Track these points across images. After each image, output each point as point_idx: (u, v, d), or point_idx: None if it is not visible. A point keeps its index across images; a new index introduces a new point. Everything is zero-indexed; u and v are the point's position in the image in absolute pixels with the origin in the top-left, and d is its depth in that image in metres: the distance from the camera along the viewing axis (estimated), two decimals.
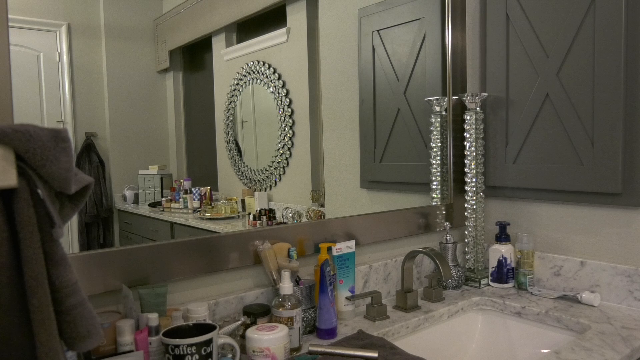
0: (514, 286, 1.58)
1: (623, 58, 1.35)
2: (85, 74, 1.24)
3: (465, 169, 1.65)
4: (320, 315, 1.19)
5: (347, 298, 1.31)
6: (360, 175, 1.70)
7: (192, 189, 1.44)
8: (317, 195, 1.59)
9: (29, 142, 0.56)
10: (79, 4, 1.24)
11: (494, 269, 1.60)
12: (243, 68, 1.53)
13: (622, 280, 1.40)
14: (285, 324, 1.07)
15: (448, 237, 1.58)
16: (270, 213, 1.48)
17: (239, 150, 1.52)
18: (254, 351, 0.99)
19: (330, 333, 1.18)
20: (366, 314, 1.33)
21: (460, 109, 1.69)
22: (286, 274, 1.12)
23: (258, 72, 1.55)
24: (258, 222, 1.45)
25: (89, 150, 1.25)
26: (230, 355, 0.99)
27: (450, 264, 1.56)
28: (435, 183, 1.69)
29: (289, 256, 1.20)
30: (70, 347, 0.62)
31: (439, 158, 1.68)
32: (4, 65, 0.85)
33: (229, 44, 1.51)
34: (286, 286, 1.11)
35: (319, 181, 1.60)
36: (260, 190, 1.53)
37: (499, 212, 1.70)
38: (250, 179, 1.53)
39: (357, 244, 1.36)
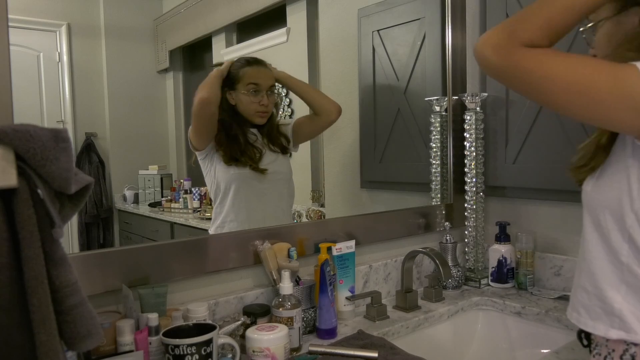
0: (514, 286, 1.58)
1: None
2: (85, 74, 1.24)
3: (465, 169, 1.65)
4: (320, 315, 1.19)
5: (347, 298, 1.31)
6: (360, 175, 1.70)
7: (192, 189, 1.44)
8: (317, 195, 1.59)
9: (29, 142, 0.56)
10: (79, 4, 1.24)
11: (494, 269, 1.59)
12: None
13: None
14: (285, 324, 1.07)
15: (448, 237, 1.58)
16: None
17: None
18: (254, 351, 0.99)
19: (330, 333, 1.18)
20: (366, 314, 1.33)
21: (460, 109, 1.69)
22: (286, 274, 1.12)
23: None
24: None
25: (89, 150, 1.25)
26: (230, 355, 0.99)
27: (450, 264, 1.56)
28: (435, 183, 1.69)
29: (289, 256, 1.20)
30: (70, 347, 0.62)
31: (439, 158, 1.68)
32: (4, 65, 0.85)
33: (229, 44, 1.51)
34: (286, 286, 1.11)
35: (319, 181, 1.60)
36: None
37: (499, 212, 1.70)
38: None
39: (357, 244, 1.36)
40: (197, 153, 1.30)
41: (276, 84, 1.42)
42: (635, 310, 0.76)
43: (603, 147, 0.80)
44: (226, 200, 1.30)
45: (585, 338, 0.88)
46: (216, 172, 1.29)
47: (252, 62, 1.34)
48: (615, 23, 0.80)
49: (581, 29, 0.88)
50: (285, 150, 1.39)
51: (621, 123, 0.71)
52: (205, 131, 1.26)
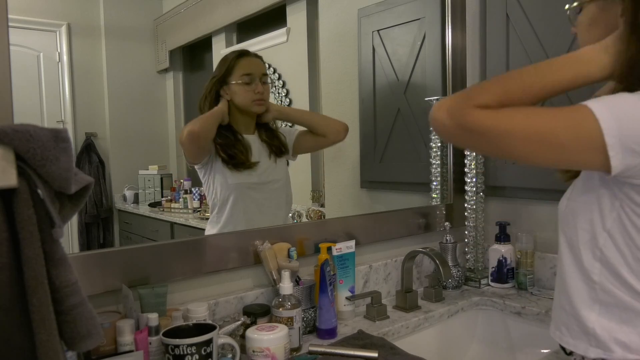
0: (514, 286, 1.58)
1: None
2: (85, 74, 1.24)
3: (465, 169, 1.65)
4: (320, 315, 1.19)
5: (347, 298, 1.31)
6: (360, 175, 1.70)
7: (192, 189, 1.44)
8: (317, 195, 1.59)
9: (29, 142, 0.56)
10: (79, 4, 1.24)
11: (494, 269, 1.59)
12: None
13: None
14: (285, 324, 1.07)
15: (448, 237, 1.58)
16: None
17: None
18: (254, 351, 0.99)
19: (330, 333, 1.18)
20: (366, 314, 1.33)
21: None
22: (286, 274, 1.12)
23: None
24: None
25: (89, 150, 1.25)
26: (230, 355, 0.99)
27: (450, 264, 1.56)
28: (435, 183, 1.69)
29: (289, 256, 1.20)
30: (70, 347, 0.62)
31: (439, 158, 1.68)
32: (4, 65, 0.85)
33: (229, 44, 1.51)
34: (286, 286, 1.11)
35: (319, 181, 1.60)
36: None
37: (499, 212, 1.70)
38: None
39: (357, 244, 1.36)
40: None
41: (269, 76, 1.42)
42: (610, 329, 0.76)
43: None
44: (224, 211, 1.30)
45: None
46: (215, 182, 1.29)
47: (242, 53, 1.34)
48: (600, 8, 0.81)
49: (566, 7, 0.89)
50: (280, 153, 1.39)
51: (584, 164, 0.74)
52: (198, 155, 1.27)
